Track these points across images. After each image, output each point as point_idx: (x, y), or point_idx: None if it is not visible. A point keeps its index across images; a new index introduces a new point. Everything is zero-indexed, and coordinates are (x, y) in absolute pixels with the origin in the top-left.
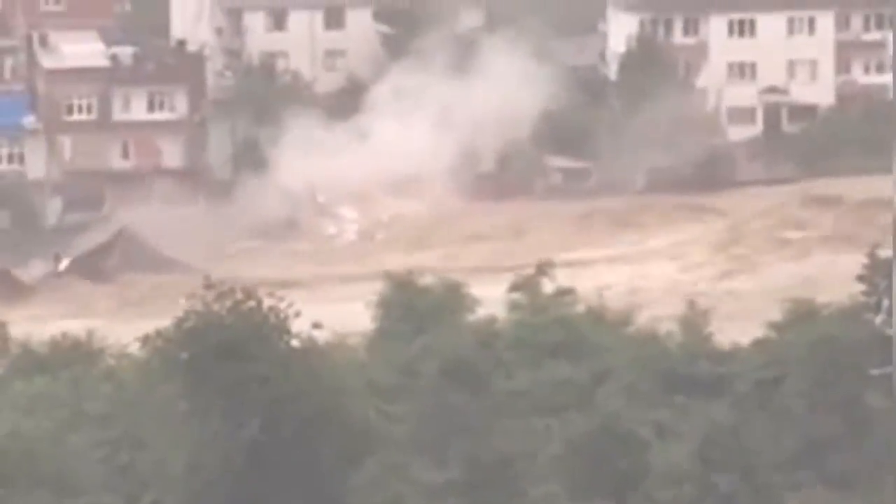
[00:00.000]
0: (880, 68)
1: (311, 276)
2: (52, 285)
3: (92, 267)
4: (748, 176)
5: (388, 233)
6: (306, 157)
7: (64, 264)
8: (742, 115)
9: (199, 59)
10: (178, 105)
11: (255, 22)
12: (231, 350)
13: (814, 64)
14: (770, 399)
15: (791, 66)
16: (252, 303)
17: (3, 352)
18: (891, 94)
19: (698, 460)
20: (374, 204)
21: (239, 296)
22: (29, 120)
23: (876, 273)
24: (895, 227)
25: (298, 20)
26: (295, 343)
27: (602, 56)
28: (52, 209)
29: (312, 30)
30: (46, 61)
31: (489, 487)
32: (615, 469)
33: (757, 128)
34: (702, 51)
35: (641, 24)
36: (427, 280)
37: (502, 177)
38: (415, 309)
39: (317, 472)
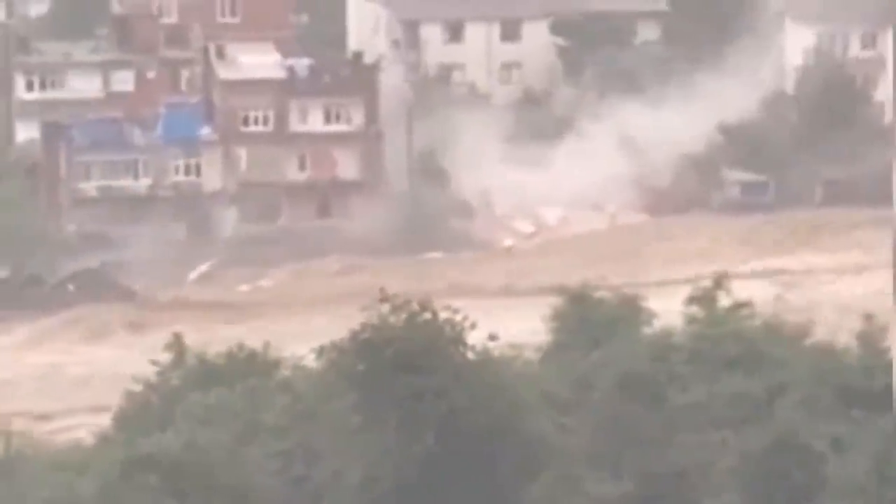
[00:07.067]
0: None
1: (488, 288)
2: None
3: None
4: None
5: (564, 246)
6: (483, 170)
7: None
8: None
9: (375, 71)
10: (355, 117)
11: (432, 34)
12: (406, 362)
13: None
14: None
15: None
16: (427, 315)
17: (179, 363)
18: None
19: (874, 475)
20: (551, 217)
21: (414, 308)
22: (205, 131)
23: None
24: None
25: (475, 32)
26: (470, 355)
27: (779, 68)
28: (228, 220)
29: (489, 42)
30: (223, 73)
31: (664, 500)
32: (790, 482)
33: None
34: (880, 64)
35: (819, 37)
36: (602, 293)
37: (679, 191)
38: (590, 322)
39: (491, 485)
